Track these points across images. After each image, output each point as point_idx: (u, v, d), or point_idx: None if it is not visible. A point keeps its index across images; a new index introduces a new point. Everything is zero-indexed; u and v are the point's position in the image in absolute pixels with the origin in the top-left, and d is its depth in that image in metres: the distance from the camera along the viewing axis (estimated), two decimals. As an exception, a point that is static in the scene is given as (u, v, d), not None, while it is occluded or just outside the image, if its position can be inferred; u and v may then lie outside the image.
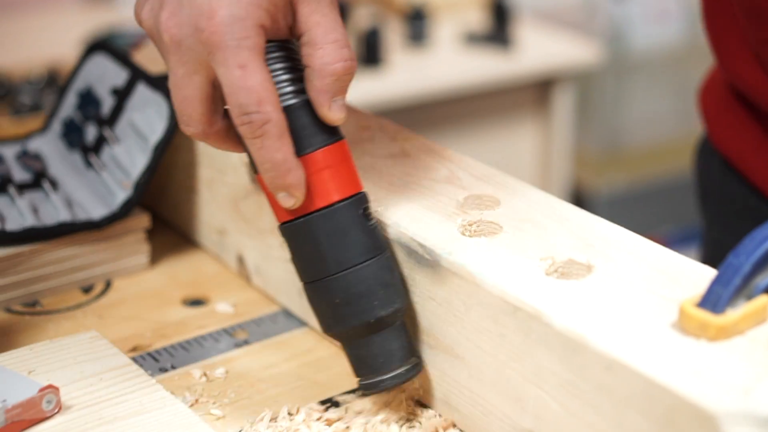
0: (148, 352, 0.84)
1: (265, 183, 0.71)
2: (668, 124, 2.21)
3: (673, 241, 2.22)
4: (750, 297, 0.66)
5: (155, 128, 0.93)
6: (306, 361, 0.83)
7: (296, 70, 0.71)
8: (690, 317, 0.64)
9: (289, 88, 0.71)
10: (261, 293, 0.91)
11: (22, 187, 0.95)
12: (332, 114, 0.71)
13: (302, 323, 0.87)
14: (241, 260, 0.93)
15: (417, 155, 0.86)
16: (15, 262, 0.89)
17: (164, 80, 0.98)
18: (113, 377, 0.76)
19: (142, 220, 0.94)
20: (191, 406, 0.77)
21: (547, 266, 0.71)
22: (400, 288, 0.74)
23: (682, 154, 2.22)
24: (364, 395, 0.75)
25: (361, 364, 0.74)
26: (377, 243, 0.73)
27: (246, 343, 0.85)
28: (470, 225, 0.76)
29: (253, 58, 0.67)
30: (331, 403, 0.78)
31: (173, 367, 0.82)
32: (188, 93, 0.69)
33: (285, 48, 0.71)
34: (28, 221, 0.91)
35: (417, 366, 0.74)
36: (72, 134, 1.01)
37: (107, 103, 0.99)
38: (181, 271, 0.95)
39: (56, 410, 0.73)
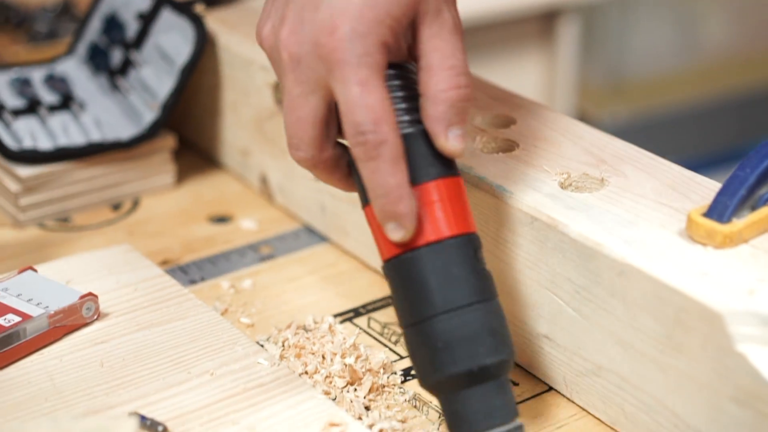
0: (177, 265, 0.88)
1: (374, 212, 0.66)
2: (672, 56, 2.23)
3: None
4: (754, 208, 0.69)
5: (181, 51, 0.96)
6: (329, 274, 0.87)
7: (414, 98, 0.67)
8: (698, 225, 0.68)
9: (407, 117, 0.67)
10: (284, 211, 0.95)
11: (52, 109, 0.99)
12: (449, 144, 0.66)
13: (324, 239, 0.91)
14: (264, 180, 0.96)
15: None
16: (47, 180, 0.92)
17: (189, 5, 1.01)
18: (147, 287, 0.80)
19: (168, 141, 0.97)
20: (222, 314, 0.81)
21: (562, 180, 0.75)
22: (509, 339, 0.67)
23: (684, 86, 2.25)
24: None
25: (458, 421, 0.66)
26: (488, 287, 0.67)
27: (271, 257, 0.89)
28: (488, 142, 0.80)
29: (373, 76, 0.64)
30: (354, 313, 0.82)
31: (202, 279, 0.86)
32: (302, 114, 0.66)
33: (405, 75, 0.68)
34: (60, 141, 0.94)
35: (520, 429, 0.66)
36: (97, 58, 1.04)
37: (132, 28, 1.02)
38: (206, 190, 0.99)
39: (95, 317, 0.76)
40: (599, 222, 0.70)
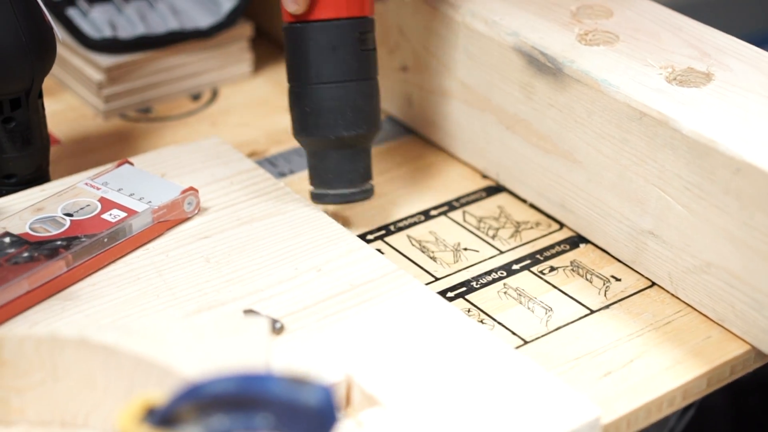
0: (265, 157, 0.87)
1: None
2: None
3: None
4: None
5: (259, -62, 0.94)
6: (418, 166, 0.86)
7: None
8: (816, 123, 0.67)
9: None
10: (364, 101, 0.94)
11: (125, -4, 0.97)
12: None
13: (409, 130, 0.90)
14: (343, 69, 0.95)
15: (523, -36, 0.88)
16: (128, 69, 0.91)
17: None
18: (243, 180, 0.80)
19: (245, 29, 0.96)
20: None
21: (667, 74, 0.74)
22: (372, 117, 0.76)
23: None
24: (314, 202, 0.78)
25: (315, 174, 0.77)
26: (364, 68, 0.76)
27: (357, 149, 0.88)
28: (586, 34, 0.79)
29: None
30: (449, 206, 0.82)
31: (291, 172, 0.85)
32: None
33: None
34: (139, 29, 0.93)
35: (365, 193, 0.77)
36: (167, -57, 1.02)
37: None
38: (283, 79, 0.97)
39: (196, 211, 0.76)
40: (711, 118, 0.69)
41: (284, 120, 0.91)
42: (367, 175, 0.77)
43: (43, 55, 0.75)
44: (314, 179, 0.77)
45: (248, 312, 0.67)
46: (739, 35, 0.78)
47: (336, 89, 0.75)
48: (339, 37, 0.75)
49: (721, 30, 0.79)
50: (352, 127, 0.75)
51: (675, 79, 0.74)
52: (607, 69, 0.74)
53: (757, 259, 0.67)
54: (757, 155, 0.66)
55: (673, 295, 0.74)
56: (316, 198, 0.77)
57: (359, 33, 0.75)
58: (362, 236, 0.79)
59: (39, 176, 0.79)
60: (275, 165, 0.86)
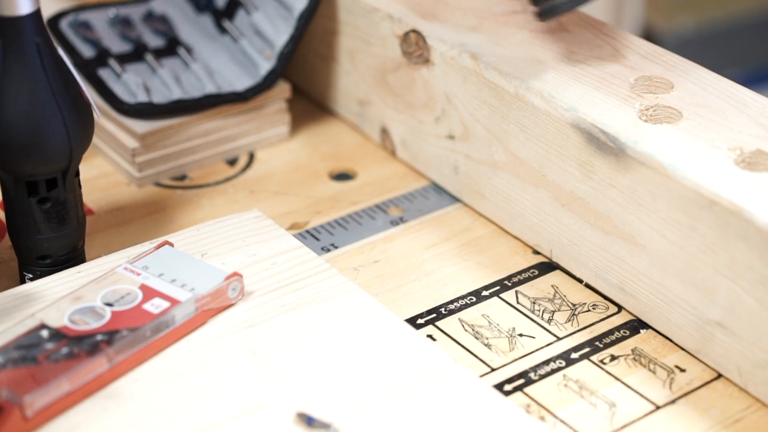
0: (306, 230, 0.84)
1: None
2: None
3: (739, 83, 2.20)
4: None
5: (298, -3, 0.91)
6: (466, 240, 0.83)
7: None
8: None
9: None
10: (407, 166, 0.91)
11: (158, 54, 0.94)
12: None
13: (455, 199, 0.87)
14: (385, 132, 0.92)
15: (575, 29, 0.84)
16: (163, 135, 0.88)
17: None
18: (286, 261, 0.76)
19: (283, 90, 0.93)
20: (364, 289, 0.77)
21: (735, 156, 0.71)
22: None
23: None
24: (542, 20, 0.78)
25: None
26: None
27: (402, 221, 0.85)
28: (647, 110, 0.75)
29: None
30: (501, 286, 0.78)
31: (335, 247, 0.82)
32: None
33: None
34: (174, 93, 0.89)
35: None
36: (200, -3, 0.99)
37: (237, -34, 0.96)
38: (322, 141, 0.94)
39: (240, 297, 0.73)
40: (787, 208, 0.66)
41: (324, 187, 0.88)
42: None
43: (82, 134, 0.72)
44: None
45: (301, 415, 0.64)
46: None
47: None
48: None
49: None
50: None
51: (744, 161, 0.70)
52: (672, 151, 0.71)
53: (837, 360, 0.64)
54: (839, 252, 0.63)
55: (741, 388, 0.70)
56: (544, 14, 0.77)
57: None
58: (413, 320, 0.75)
59: (75, 256, 0.76)
60: (318, 239, 0.83)
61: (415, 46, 0.85)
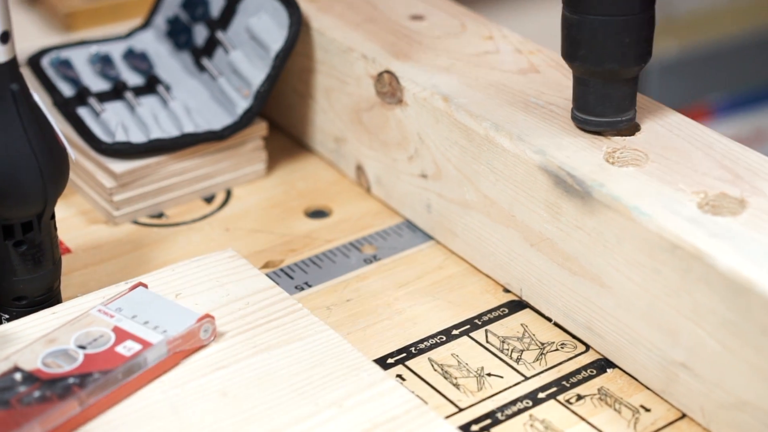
0: (281, 268, 0.85)
1: None
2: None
3: (722, 108, 2.22)
4: None
5: (275, 36, 0.92)
6: (438, 279, 0.84)
7: None
8: None
9: None
10: (382, 203, 0.92)
11: (137, 92, 0.95)
12: None
13: (428, 237, 0.88)
14: (360, 169, 0.93)
15: (546, 71, 0.86)
16: (141, 174, 0.89)
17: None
18: (259, 301, 0.77)
19: (260, 128, 0.94)
20: (334, 329, 0.78)
21: (699, 200, 0.72)
22: (642, 50, 0.76)
23: (734, 19, 2.19)
24: (576, 126, 0.78)
25: (578, 99, 0.77)
26: (637, 2, 0.74)
27: (375, 258, 0.86)
28: (614, 152, 0.76)
29: None
30: (471, 325, 0.80)
31: (308, 285, 0.83)
32: None
33: None
34: (153, 132, 0.90)
35: (628, 121, 0.77)
36: (179, 34, 1.00)
37: (216, 4, 0.98)
38: (298, 178, 0.95)
39: (212, 338, 0.74)
40: (747, 253, 0.67)
41: (299, 224, 0.90)
42: (634, 102, 0.77)
43: (57, 178, 0.73)
44: (577, 103, 0.77)
45: (269, 458, 0.65)
46: None
47: (610, 22, 0.74)
48: None
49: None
50: (619, 60, 0.75)
51: (708, 204, 0.72)
52: (637, 194, 0.72)
53: (795, 403, 0.65)
54: (797, 297, 0.64)
55: (705, 428, 0.71)
56: (582, 123, 0.77)
57: None
58: (383, 359, 0.77)
59: (51, 296, 0.77)
60: (292, 277, 0.84)
61: (388, 87, 0.87)
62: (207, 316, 0.73)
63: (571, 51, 0.76)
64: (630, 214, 0.71)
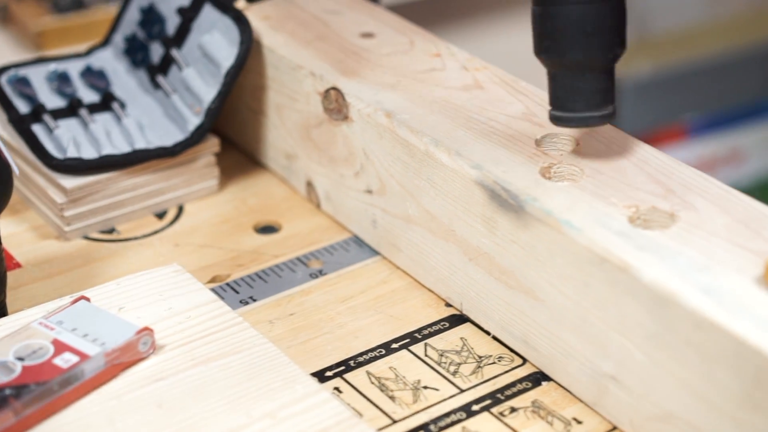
0: (227, 282, 0.86)
1: None
2: (697, 8, 2.19)
3: (698, 128, 2.23)
4: (833, 253, 0.68)
5: (226, 53, 0.93)
6: (381, 293, 0.85)
7: None
8: (776, 275, 0.66)
9: None
10: (331, 219, 0.93)
11: (92, 109, 0.96)
12: None
13: (374, 252, 0.89)
14: (310, 185, 0.94)
15: (490, 87, 0.87)
16: (92, 190, 0.90)
17: (231, 0, 0.98)
18: (201, 314, 0.78)
19: (212, 144, 0.95)
20: (275, 342, 0.79)
21: (631, 214, 0.73)
22: (616, 39, 0.74)
23: (710, 38, 2.21)
24: (553, 123, 0.76)
25: (553, 96, 0.76)
26: None
27: (321, 273, 0.87)
28: (550, 167, 0.78)
29: None
30: (411, 339, 0.81)
31: (253, 300, 0.84)
32: None
33: None
34: (104, 149, 0.92)
35: (606, 117, 0.75)
36: (137, 52, 1.01)
37: (172, 22, 0.99)
38: (250, 194, 0.97)
39: (151, 351, 0.75)
40: (673, 266, 0.68)
41: (248, 239, 0.91)
42: (608, 99, 0.75)
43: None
44: (552, 100, 0.76)
45: (198, 468, 0.66)
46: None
47: (570, 11, 0.73)
48: None
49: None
50: (583, 50, 0.73)
51: (639, 218, 0.73)
52: (569, 209, 0.73)
53: (718, 415, 0.66)
54: (719, 310, 0.65)
55: (635, 440, 0.72)
56: (555, 120, 0.76)
57: None
58: (321, 372, 0.78)
59: (-5, 310, 0.78)
60: (237, 292, 0.85)
61: (335, 103, 0.88)
62: (146, 329, 0.74)
63: (537, 44, 0.75)
64: (561, 228, 0.72)
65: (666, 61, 2.15)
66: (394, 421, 0.74)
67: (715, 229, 0.71)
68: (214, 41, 0.95)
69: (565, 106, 0.75)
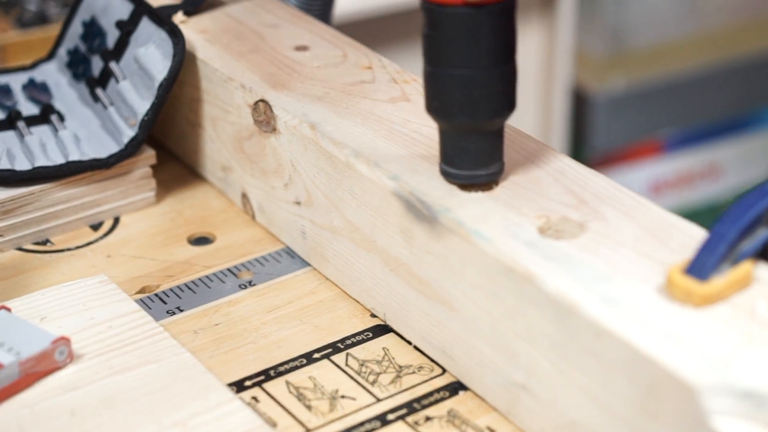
0: (156, 293, 0.87)
1: None
2: (673, 24, 2.20)
3: (674, 143, 2.24)
4: (735, 262, 0.68)
5: (160, 66, 0.94)
6: (307, 304, 0.86)
7: None
8: (676, 285, 0.67)
9: None
10: (265, 231, 0.94)
11: (30, 122, 0.97)
12: None
13: (305, 263, 0.90)
14: (245, 197, 0.95)
15: (417, 99, 0.88)
16: (24, 201, 0.91)
17: (168, 12, 0.99)
18: (122, 324, 0.79)
19: (148, 156, 0.96)
20: (197, 352, 0.80)
21: (541, 224, 0.73)
22: (503, 103, 0.75)
23: (685, 53, 2.22)
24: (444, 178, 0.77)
25: (443, 152, 0.77)
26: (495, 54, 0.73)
27: (251, 284, 0.88)
28: (467, 179, 0.78)
29: None
30: (333, 349, 0.81)
31: (180, 310, 0.85)
32: None
33: None
34: (38, 160, 0.92)
35: (492, 175, 0.76)
36: (78, 65, 1.02)
37: (112, 36, 1.00)
38: (187, 206, 0.97)
39: (68, 360, 0.75)
40: (576, 276, 0.69)
41: (181, 250, 0.91)
42: (495, 158, 0.76)
43: None
44: (442, 156, 0.77)
45: (101, 476, 0.67)
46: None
47: (458, 76, 0.73)
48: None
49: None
50: (469, 114, 0.74)
51: (550, 228, 0.73)
52: (481, 219, 0.74)
53: (618, 423, 0.66)
54: (616, 320, 0.65)
55: (546, 449, 0.73)
56: (444, 175, 0.77)
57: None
58: (241, 382, 0.78)
59: None
60: (165, 302, 0.86)
61: (263, 115, 0.89)
62: (62, 338, 0.75)
63: (427, 102, 0.76)
64: (471, 239, 0.73)
65: (641, 76, 2.16)
66: (309, 430, 0.74)
67: (623, 239, 0.72)
68: (149, 54, 0.95)
69: (453, 163, 0.76)
